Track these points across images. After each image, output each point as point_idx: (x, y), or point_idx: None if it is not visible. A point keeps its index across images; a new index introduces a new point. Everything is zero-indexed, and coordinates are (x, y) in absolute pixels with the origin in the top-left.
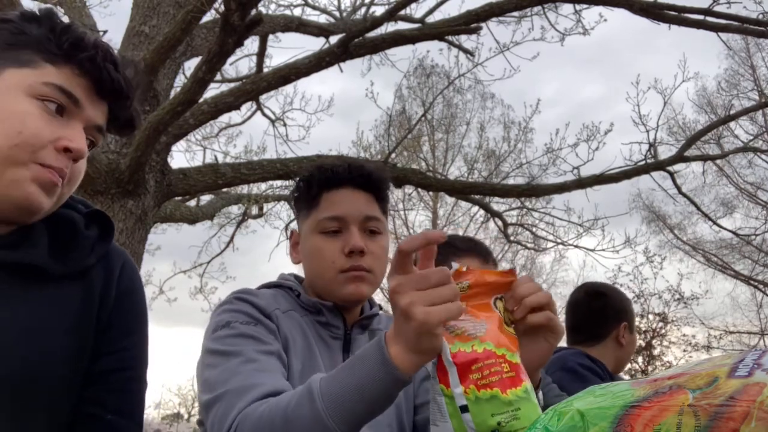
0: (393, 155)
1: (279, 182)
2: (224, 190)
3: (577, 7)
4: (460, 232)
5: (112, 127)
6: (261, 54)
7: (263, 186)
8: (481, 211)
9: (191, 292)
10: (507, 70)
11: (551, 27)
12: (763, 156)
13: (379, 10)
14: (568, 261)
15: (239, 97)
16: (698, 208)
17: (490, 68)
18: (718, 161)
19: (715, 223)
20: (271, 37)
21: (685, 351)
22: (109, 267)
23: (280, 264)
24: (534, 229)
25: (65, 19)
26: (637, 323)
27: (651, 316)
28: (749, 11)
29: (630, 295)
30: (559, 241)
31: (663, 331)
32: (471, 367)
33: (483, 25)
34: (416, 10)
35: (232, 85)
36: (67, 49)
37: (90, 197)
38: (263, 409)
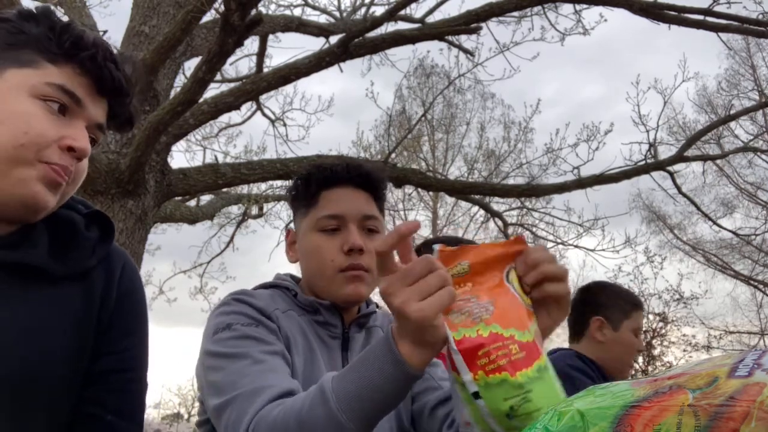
0: (393, 155)
1: (279, 182)
2: (224, 190)
3: (577, 7)
4: (460, 232)
5: (112, 124)
6: (261, 54)
7: (263, 186)
8: (481, 211)
9: (191, 292)
10: (507, 70)
11: (551, 27)
12: (763, 156)
13: (379, 10)
14: (568, 261)
15: (239, 97)
16: (698, 208)
17: (490, 68)
18: (718, 161)
19: (715, 223)
20: (271, 37)
21: (685, 351)
22: (109, 268)
23: (280, 264)
24: (534, 229)
25: (63, 18)
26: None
27: (651, 316)
28: (749, 11)
29: None
30: (559, 241)
31: (663, 331)
32: (477, 353)
33: (483, 25)
34: (416, 10)
35: (232, 85)
36: (67, 49)
37: (90, 197)
38: (277, 412)
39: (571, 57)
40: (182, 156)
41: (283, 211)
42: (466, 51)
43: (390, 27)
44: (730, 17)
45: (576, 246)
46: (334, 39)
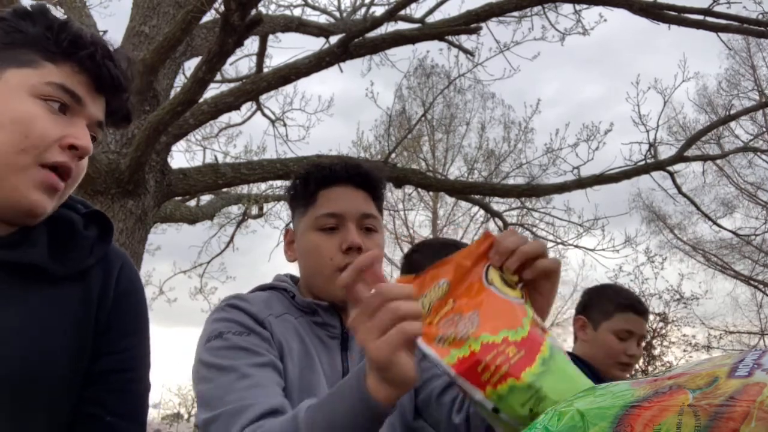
0: (393, 155)
1: (279, 182)
2: (224, 190)
3: (577, 7)
4: (460, 232)
5: (110, 120)
6: (261, 54)
7: (263, 186)
8: (481, 212)
9: (191, 293)
10: (507, 70)
11: (551, 27)
12: (763, 156)
13: (379, 10)
14: (568, 261)
15: (239, 97)
16: (698, 208)
17: (490, 68)
18: (718, 161)
19: (715, 223)
20: (271, 37)
21: (685, 351)
22: (107, 268)
23: (280, 264)
24: (534, 229)
25: (60, 16)
26: None
27: (651, 317)
28: (749, 11)
29: None
30: (559, 241)
31: (663, 331)
32: (477, 370)
33: (483, 25)
34: (416, 10)
35: (232, 85)
36: (66, 47)
37: (90, 197)
38: None
39: (571, 57)
40: (182, 156)
41: (283, 211)
42: (466, 51)
43: (390, 27)
44: (730, 17)
45: (576, 246)
46: (334, 39)
